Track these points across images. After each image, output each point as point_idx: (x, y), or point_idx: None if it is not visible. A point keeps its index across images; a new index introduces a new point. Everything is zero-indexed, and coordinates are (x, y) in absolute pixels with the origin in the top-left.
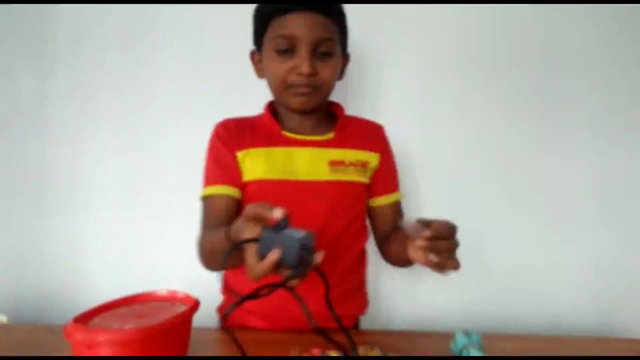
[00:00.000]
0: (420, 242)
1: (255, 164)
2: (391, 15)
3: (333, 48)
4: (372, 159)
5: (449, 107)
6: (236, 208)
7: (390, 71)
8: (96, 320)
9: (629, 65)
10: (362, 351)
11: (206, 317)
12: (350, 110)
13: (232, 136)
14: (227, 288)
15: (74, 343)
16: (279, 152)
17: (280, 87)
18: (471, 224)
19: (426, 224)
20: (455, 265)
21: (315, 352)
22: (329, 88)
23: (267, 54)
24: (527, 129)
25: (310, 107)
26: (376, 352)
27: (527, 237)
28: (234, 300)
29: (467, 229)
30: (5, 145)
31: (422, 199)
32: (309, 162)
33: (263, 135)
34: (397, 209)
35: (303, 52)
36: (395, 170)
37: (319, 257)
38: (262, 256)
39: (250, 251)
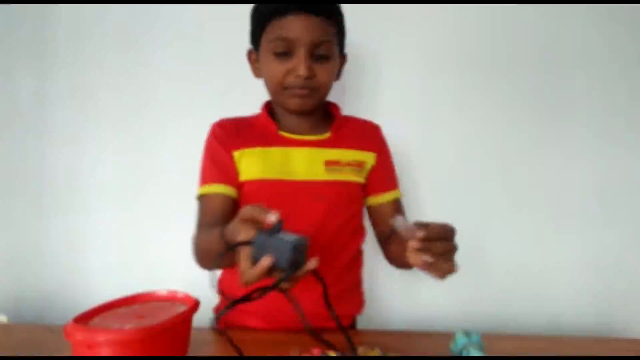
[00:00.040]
0: (414, 244)
1: (252, 163)
2: (391, 15)
3: (330, 50)
4: (369, 158)
5: (449, 107)
6: (232, 207)
7: (390, 71)
8: (96, 320)
9: (629, 65)
10: (361, 351)
11: (206, 317)
12: (349, 110)
13: (229, 136)
14: (221, 289)
15: (74, 343)
16: (276, 152)
17: (277, 89)
18: (471, 223)
19: (423, 225)
20: (451, 269)
21: (315, 352)
22: (326, 89)
23: (265, 55)
24: (527, 129)
25: (307, 108)
26: (376, 352)
27: (527, 237)
28: (231, 299)
29: (467, 228)
30: (5, 145)
31: (422, 199)
32: (305, 162)
33: (260, 135)
34: (397, 208)
35: (301, 54)
36: (393, 169)
37: (312, 263)
38: (255, 260)
39: (244, 255)
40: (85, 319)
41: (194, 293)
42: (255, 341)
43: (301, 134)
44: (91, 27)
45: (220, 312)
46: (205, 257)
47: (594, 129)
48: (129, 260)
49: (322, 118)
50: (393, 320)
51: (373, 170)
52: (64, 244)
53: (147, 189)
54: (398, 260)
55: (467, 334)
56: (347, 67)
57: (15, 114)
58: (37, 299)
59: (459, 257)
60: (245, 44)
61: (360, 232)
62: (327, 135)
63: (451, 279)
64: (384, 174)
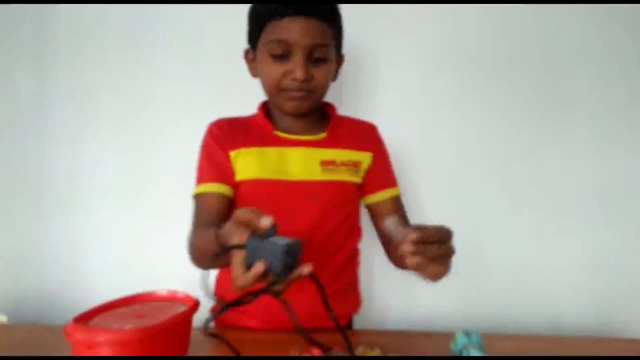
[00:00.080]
0: (406, 247)
1: (248, 163)
2: (390, 15)
3: (328, 53)
4: (365, 158)
5: (448, 107)
6: (228, 207)
7: (390, 71)
8: (96, 320)
9: (629, 65)
10: (361, 351)
11: (206, 317)
12: (349, 110)
13: (226, 136)
14: (215, 292)
15: (74, 343)
16: (271, 152)
17: (274, 91)
18: (471, 223)
19: (418, 228)
20: (443, 272)
21: (315, 352)
22: (323, 91)
23: (262, 56)
24: (527, 129)
25: (303, 111)
26: (376, 352)
27: (527, 237)
28: (223, 303)
29: (467, 229)
30: (5, 145)
31: (422, 199)
32: (300, 162)
33: (256, 135)
34: (396, 206)
35: (298, 57)
36: (391, 167)
37: (306, 269)
38: (248, 264)
39: (236, 260)
40: (85, 319)
41: (194, 293)
42: (255, 341)
43: (297, 134)
44: (91, 27)
45: (210, 317)
46: (200, 257)
47: (594, 129)
48: (129, 260)
49: (318, 118)
50: (391, 320)
51: (370, 170)
52: (64, 244)
53: (147, 189)
54: (399, 260)
55: (467, 334)
56: (347, 67)
57: (15, 114)
58: (37, 299)
59: (459, 258)
60: (246, 44)
61: (356, 232)
62: (322, 135)
63: (451, 279)
64: (381, 173)
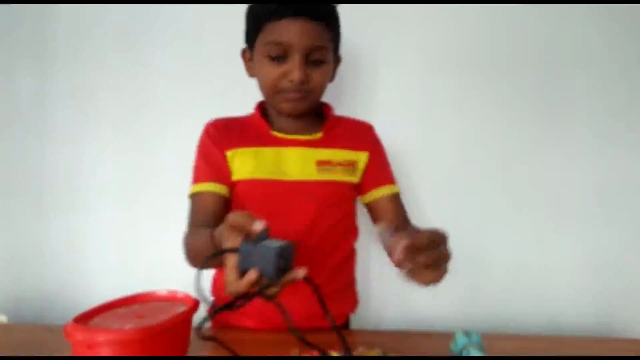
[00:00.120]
0: (396, 256)
1: (244, 163)
2: (390, 15)
3: (325, 55)
4: (361, 158)
5: (448, 107)
6: (224, 206)
7: (390, 71)
8: (96, 320)
9: (629, 65)
10: (361, 351)
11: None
12: (349, 110)
13: (222, 135)
14: (214, 290)
15: (74, 343)
16: (268, 152)
17: (270, 92)
18: (471, 223)
19: (411, 233)
20: (436, 278)
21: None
22: (320, 93)
23: (259, 57)
24: (527, 129)
25: (300, 111)
26: (376, 352)
27: (527, 237)
28: (222, 302)
29: (467, 229)
30: (5, 145)
31: (422, 199)
32: (296, 162)
33: (252, 135)
34: (395, 203)
35: (295, 59)
36: (388, 166)
37: (300, 273)
38: (241, 268)
39: (229, 264)
40: (85, 319)
41: (194, 293)
42: (255, 341)
43: (293, 134)
44: (91, 27)
45: (202, 321)
46: (195, 257)
47: (594, 129)
48: (129, 260)
49: (314, 118)
50: (388, 320)
51: (367, 169)
52: (64, 244)
53: (147, 189)
54: None
55: (467, 334)
56: (347, 68)
57: (15, 114)
58: (37, 299)
59: (459, 258)
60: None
61: (352, 232)
62: (318, 135)
63: (451, 279)
64: (378, 171)
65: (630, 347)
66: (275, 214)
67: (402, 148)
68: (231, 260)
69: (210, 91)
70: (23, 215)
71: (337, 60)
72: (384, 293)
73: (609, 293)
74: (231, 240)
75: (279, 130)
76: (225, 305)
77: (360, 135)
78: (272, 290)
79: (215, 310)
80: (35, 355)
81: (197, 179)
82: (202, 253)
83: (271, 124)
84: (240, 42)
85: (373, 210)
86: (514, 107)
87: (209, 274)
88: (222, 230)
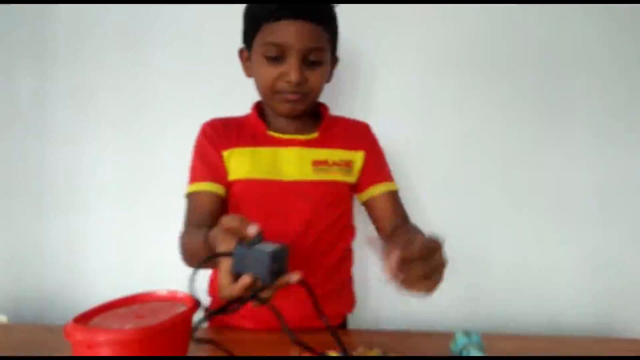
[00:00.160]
0: (388, 271)
1: (240, 163)
2: (390, 15)
3: (323, 56)
4: (357, 157)
5: (448, 107)
6: (220, 206)
7: (390, 71)
8: (96, 320)
9: (629, 65)
10: (361, 351)
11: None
12: (348, 110)
13: (219, 135)
14: (211, 290)
15: (74, 343)
16: (264, 152)
17: (268, 92)
18: (471, 224)
19: (404, 243)
20: (430, 287)
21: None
22: (317, 94)
23: (256, 57)
24: (527, 129)
25: (297, 112)
26: (375, 352)
27: (527, 237)
28: (218, 303)
29: (467, 229)
30: (5, 145)
31: (422, 199)
32: (293, 162)
33: (249, 135)
34: (392, 201)
35: (292, 60)
36: (385, 164)
37: (293, 277)
38: (235, 271)
39: (223, 268)
40: (85, 319)
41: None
42: (255, 342)
43: (290, 133)
44: (91, 27)
45: (197, 324)
46: (189, 257)
47: (594, 129)
48: (129, 260)
49: (311, 118)
50: (386, 320)
51: (363, 168)
52: (64, 244)
53: (147, 189)
54: None
55: (467, 334)
56: (347, 68)
57: (15, 114)
58: (37, 299)
59: (459, 258)
60: None
61: (349, 232)
62: (314, 135)
63: (451, 279)
64: (374, 169)
65: (630, 347)
66: (272, 214)
67: (402, 148)
68: (225, 264)
69: (210, 91)
70: (23, 215)
71: (334, 61)
72: (382, 293)
73: (609, 293)
74: (225, 244)
75: (276, 131)
76: (219, 309)
77: (357, 135)
78: (266, 293)
79: (209, 314)
80: (35, 355)
81: (193, 179)
82: (196, 254)
83: (268, 124)
84: (239, 42)
85: (370, 209)
86: (514, 107)
87: (206, 274)
88: (216, 234)
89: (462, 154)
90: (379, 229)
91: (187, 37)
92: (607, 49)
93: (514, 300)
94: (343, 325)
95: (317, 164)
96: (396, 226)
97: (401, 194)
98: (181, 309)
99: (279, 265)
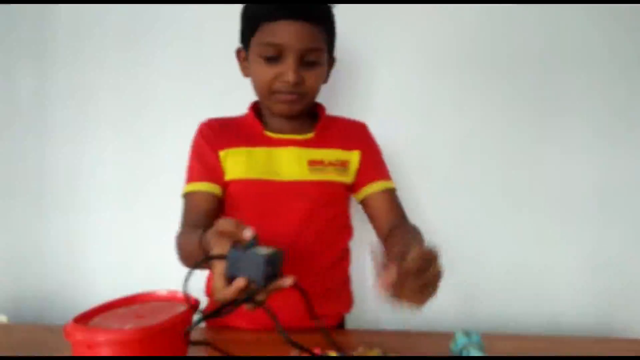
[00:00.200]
0: (384, 286)
1: (237, 163)
2: (390, 15)
3: (320, 57)
4: (353, 157)
5: (448, 107)
6: (217, 206)
7: (390, 71)
8: (96, 320)
9: (629, 65)
10: (361, 351)
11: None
12: (348, 110)
13: (216, 135)
14: (208, 290)
15: (74, 343)
16: (260, 152)
17: (265, 92)
18: (471, 224)
19: (402, 254)
20: (425, 299)
21: (315, 352)
22: (314, 94)
23: (254, 57)
24: (527, 129)
25: (293, 113)
26: (375, 352)
27: (527, 237)
28: (215, 305)
29: (467, 229)
30: (5, 145)
31: (422, 199)
32: (289, 162)
33: (246, 135)
34: (389, 199)
35: (290, 61)
36: (382, 163)
37: (287, 281)
38: (229, 275)
39: (217, 271)
40: (85, 319)
41: (194, 293)
42: (254, 342)
43: (286, 133)
44: (91, 27)
45: (191, 327)
46: (185, 258)
47: (594, 128)
48: (129, 260)
49: (308, 118)
50: (386, 320)
51: (359, 168)
52: (64, 244)
53: (147, 189)
54: None
55: (467, 334)
56: (347, 68)
57: (15, 114)
58: (37, 299)
59: (459, 258)
60: None
61: (346, 231)
62: (310, 135)
63: (451, 279)
64: (370, 168)
65: (630, 347)
66: (268, 214)
67: (402, 148)
68: (219, 267)
69: (210, 91)
70: (23, 215)
71: (331, 61)
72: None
73: (609, 293)
74: (219, 247)
75: (272, 131)
76: (213, 312)
77: (353, 134)
78: (260, 296)
79: (203, 317)
80: (35, 355)
81: (190, 179)
82: (191, 255)
83: (265, 124)
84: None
85: (367, 207)
86: (514, 107)
87: (203, 274)
88: (210, 237)
89: (462, 154)
90: (376, 229)
91: (187, 37)
92: (607, 49)
93: (514, 300)
94: (341, 325)
95: (313, 164)
96: (394, 226)
97: (401, 194)
98: (181, 309)
99: (273, 269)
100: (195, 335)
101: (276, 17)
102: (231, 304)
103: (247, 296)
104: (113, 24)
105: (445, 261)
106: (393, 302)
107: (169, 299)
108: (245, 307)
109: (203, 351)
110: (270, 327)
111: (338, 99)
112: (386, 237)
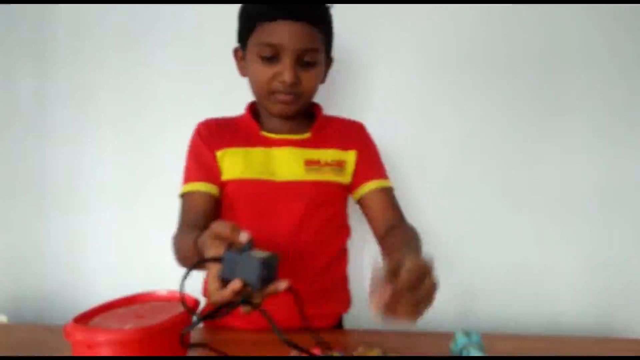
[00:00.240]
0: (378, 306)
1: (233, 163)
2: (390, 15)
3: (317, 58)
4: (349, 157)
5: (448, 107)
6: (214, 206)
7: (390, 71)
8: (96, 320)
9: (629, 65)
10: (361, 351)
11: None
12: (347, 110)
13: (213, 135)
14: (206, 290)
15: (74, 343)
16: (257, 152)
17: (262, 93)
18: (471, 224)
19: (394, 270)
20: (420, 314)
21: (315, 352)
22: (311, 95)
23: (251, 57)
24: (527, 129)
25: (290, 113)
26: (375, 352)
27: (527, 237)
28: (211, 306)
29: (467, 229)
30: (5, 145)
31: (422, 199)
32: (285, 162)
33: (243, 135)
34: (385, 199)
35: (287, 61)
36: (379, 162)
37: (282, 285)
38: (223, 277)
39: (212, 274)
40: (85, 319)
41: (194, 293)
42: (254, 342)
43: (283, 134)
44: (91, 27)
45: (186, 329)
46: (182, 259)
47: (594, 128)
48: (129, 260)
49: (305, 118)
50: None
51: (356, 167)
52: (64, 244)
53: (147, 189)
54: None
55: (467, 334)
56: (346, 68)
57: (15, 114)
58: (37, 299)
59: (459, 257)
60: None
61: (343, 231)
62: (307, 135)
63: (451, 279)
64: (367, 167)
65: (630, 347)
66: (265, 214)
67: (402, 148)
68: (214, 269)
69: (210, 91)
70: (23, 215)
71: (329, 62)
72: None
73: (609, 293)
74: (213, 250)
75: (269, 131)
76: (208, 315)
77: (350, 134)
78: (256, 299)
79: (199, 320)
80: (35, 355)
81: (187, 179)
82: (187, 257)
83: (261, 125)
84: None
85: (364, 207)
86: (514, 107)
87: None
88: (205, 239)
89: (462, 154)
90: (373, 228)
91: (187, 37)
92: (607, 49)
93: (514, 300)
94: (339, 325)
95: (310, 164)
96: (390, 226)
97: (401, 194)
98: (181, 309)
99: (269, 272)
100: (193, 335)
101: (273, 17)
102: (227, 306)
103: (242, 299)
104: (113, 24)
105: (445, 261)
106: (387, 320)
107: (169, 299)
108: (241, 309)
109: (201, 351)
110: (268, 326)
111: (338, 99)
112: (383, 237)
